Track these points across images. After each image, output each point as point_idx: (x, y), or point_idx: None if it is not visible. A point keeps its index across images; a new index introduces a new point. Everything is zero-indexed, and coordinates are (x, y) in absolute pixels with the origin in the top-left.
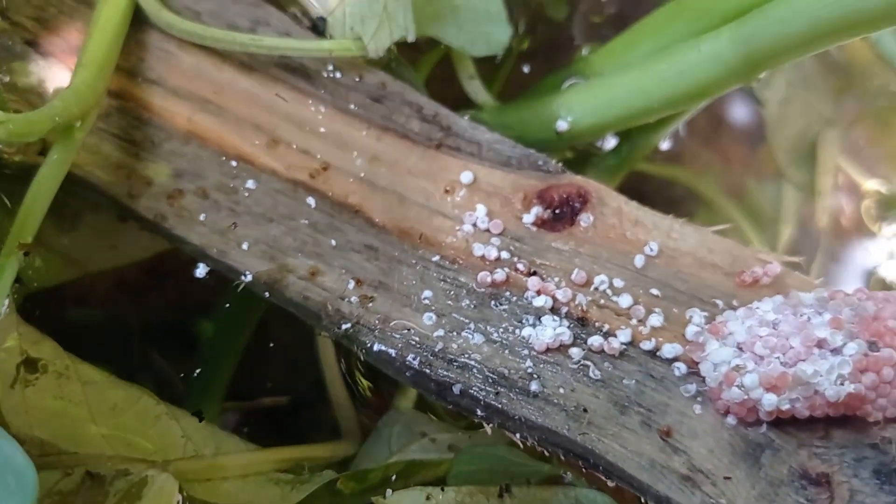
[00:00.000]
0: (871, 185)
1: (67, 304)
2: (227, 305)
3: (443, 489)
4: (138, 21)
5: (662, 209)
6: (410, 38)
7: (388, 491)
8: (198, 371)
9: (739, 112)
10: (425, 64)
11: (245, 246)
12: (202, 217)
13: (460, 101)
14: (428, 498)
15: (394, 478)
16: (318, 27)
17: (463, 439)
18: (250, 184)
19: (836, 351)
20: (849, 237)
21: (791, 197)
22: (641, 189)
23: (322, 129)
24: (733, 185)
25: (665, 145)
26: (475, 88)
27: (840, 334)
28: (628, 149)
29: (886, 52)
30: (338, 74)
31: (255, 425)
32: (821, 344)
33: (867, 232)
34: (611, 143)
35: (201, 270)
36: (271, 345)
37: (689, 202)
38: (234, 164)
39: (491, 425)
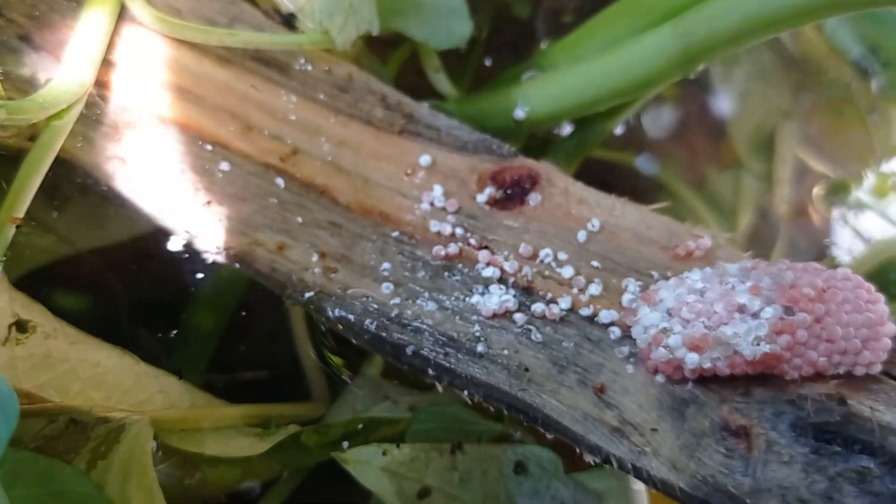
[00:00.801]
0: (821, 171)
1: (59, 285)
2: (210, 283)
3: (398, 445)
4: (124, 18)
5: (628, 198)
6: (375, 32)
7: (345, 444)
8: (182, 346)
9: (701, 105)
10: (397, 58)
11: (217, 222)
12: (179, 196)
13: (433, 93)
14: (384, 453)
15: (355, 434)
16: (289, 22)
17: (422, 401)
18: (224, 166)
19: (755, 315)
20: (806, 223)
21: (750, 186)
22: (608, 179)
23: (292, 117)
24: (695, 175)
25: (629, 136)
26: (440, 80)
27: (758, 300)
28: (584, 135)
29: (839, 45)
30: (309, 67)
31: (238, 399)
32: (741, 309)
33: (822, 218)
34: (567, 130)
35: (175, 244)
36: (254, 322)
37: (654, 191)
38: (210, 148)
39: (442, 384)
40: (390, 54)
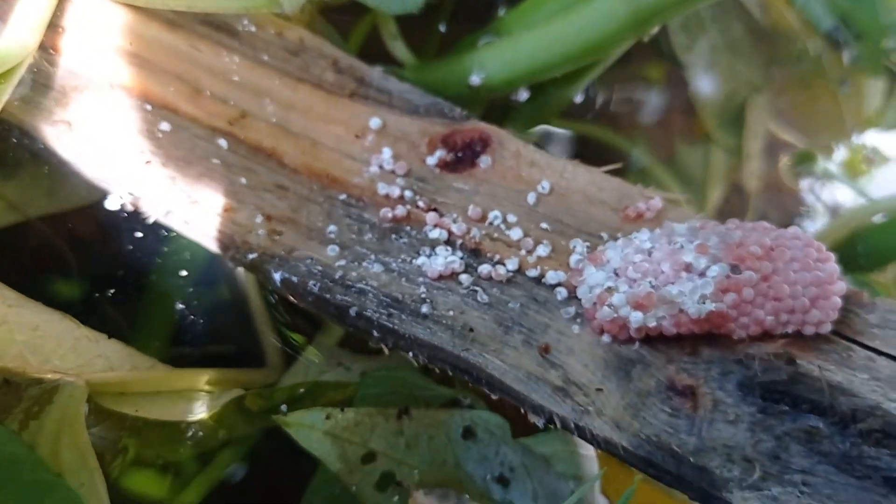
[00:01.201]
0: (792, 144)
1: (13, 254)
2: (165, 250)
3: (342, 409)
4: None
5: None
6: None
7: (283, 407)
8: (141, 314)
9: (670, 79)
10: (363, 26)
11: (161, 184)
12: (124, 158)
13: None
14: (328, 417)
15: (300, 399)
16: None
17: (374, 367)
18: (169, 129)
19: (701, 274)
20: (778, 197)
21: (719, 160)
22: (579, 152)
23: (240, 80)
24: (664, 149)
25: (597, 110)
26: (398, 47)
27: (705, 258)
28: (542, 102)
29: (811, 17)
30: (260, 31)
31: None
32: (688, 268)
33: (792, 190)
34: (523, 96)
35: (112, 202)
36: (212, 291)
37: (624, 165)
38: (157, 111)
39: (388, 347)
40: (356, 23)
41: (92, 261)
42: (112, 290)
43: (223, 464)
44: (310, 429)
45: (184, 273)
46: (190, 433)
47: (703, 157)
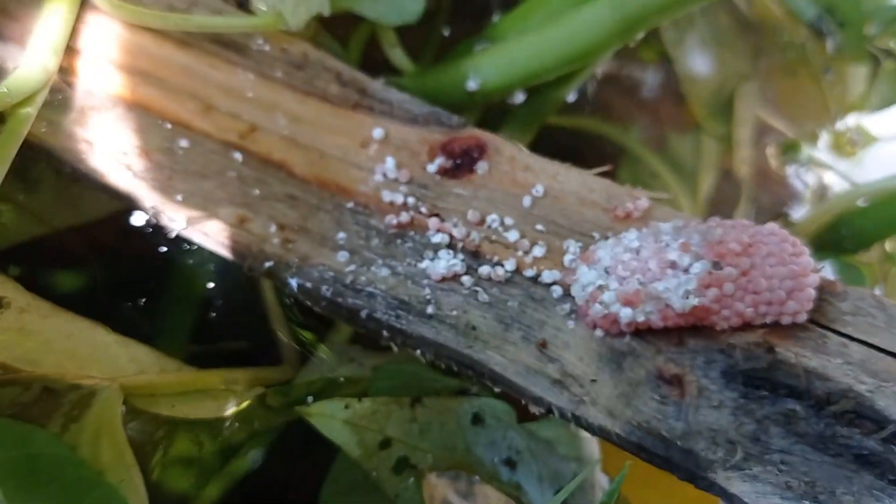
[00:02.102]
0: (780, 131)
1: (35, 263)
2: (183, 258)
3: (360, 399)
4: (86, 6)
5: (594, 163)
6: (326, 13)
7: (309, 398)
8: (161, 318)
9: (660, 70)
10: (360, 35)
11: (180, 198)
12: (143, 174)
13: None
14: (347, 407)
15: (318, 393)
16: (243, 4)
17: (384, 362)
18: (185, 144)
19: (685, 270)
20: (768, 183)
21: (710, 148)
22: (575, 146)
23: (250, 95)
24: (656, 139)
25: (590, 105)
26: (397, 56)
27: (688, 256)
28: (536, 104)
29: (795, 8)
30: (266, 47)
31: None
32: (673, 265)
33: (780, 176)
34: (519, 98)
35: (138, 219)
36: (229, 294)
37: (619, 156)
38: (172, 128)
39: (396, 345)
40: (353, 32)
41: (114, 268)
42: (135, 297)
43: (248, 457)
44: (330, 418)
45: (202, 279)
46: (217, 429)
47: (694, 145)
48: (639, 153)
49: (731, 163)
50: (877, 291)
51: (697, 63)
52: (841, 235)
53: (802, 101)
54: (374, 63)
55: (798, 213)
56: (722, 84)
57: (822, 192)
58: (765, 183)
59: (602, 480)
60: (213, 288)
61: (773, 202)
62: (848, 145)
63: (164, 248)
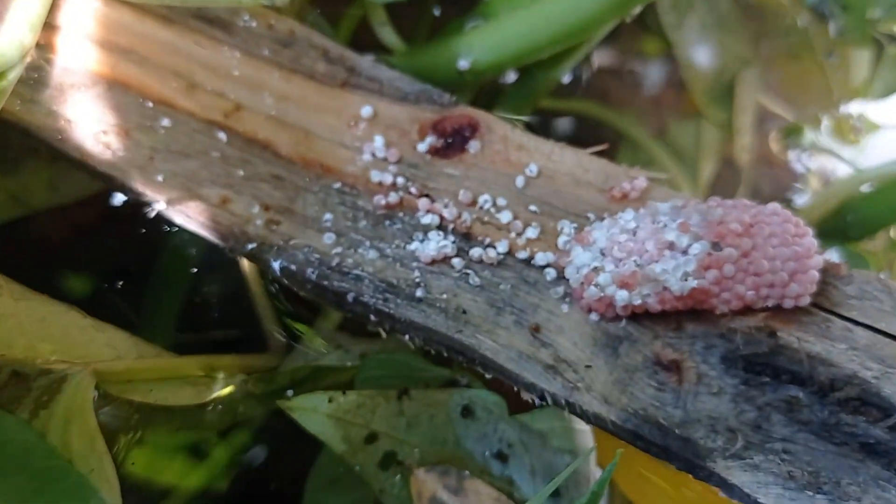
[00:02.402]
0: (782, 117)
1: (21, 247)
2: (168, 240)
3: (344, 392)
4: None
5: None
6: None
7: (289, 392)
8: (147, 303)
9: (659, 56)
10: (353, 13)
11: (161, 178)
12: (124, 153)
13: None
14: (330, 400)
15: (302, 382)
16: None
17: (373, 349)
18: (168, 123)
19: (684, 252)
20: (770, 170)
21: (711, 135)
22: (574, 130)
23: (236, 73)
24: (655, 126)
25: (588, 88)
26: (387, 34)
27: (687, 237)
28: (530, 84)
29: None
30: (252, 24)
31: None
32: (671, 246)
33: (783, 163)
34: (512, 78)
35: (118, 199)
36: (215, 279)
37: (618, 142)
38: (154, 106)
39: (385, 330)
40: (346, 9)
41: (96, 252)
42: (117, 281)
43: (229, 447)
44: (313, 412)
45: (187, 262)
46: (196, 417)
47: (694, 132)
48: (638, 139)
49: (731, 149)
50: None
51: (698, 48)
52: (846, 222)
53: (805, 87)
54: (367, 44)
55: (801, 199)
56: (723, 70)
57: (825, 178)
58: (767, 170)
59: (598, 474)
60: (201, 272)
61: (775, 189)
62: (851, 133)
63: (149, 231)
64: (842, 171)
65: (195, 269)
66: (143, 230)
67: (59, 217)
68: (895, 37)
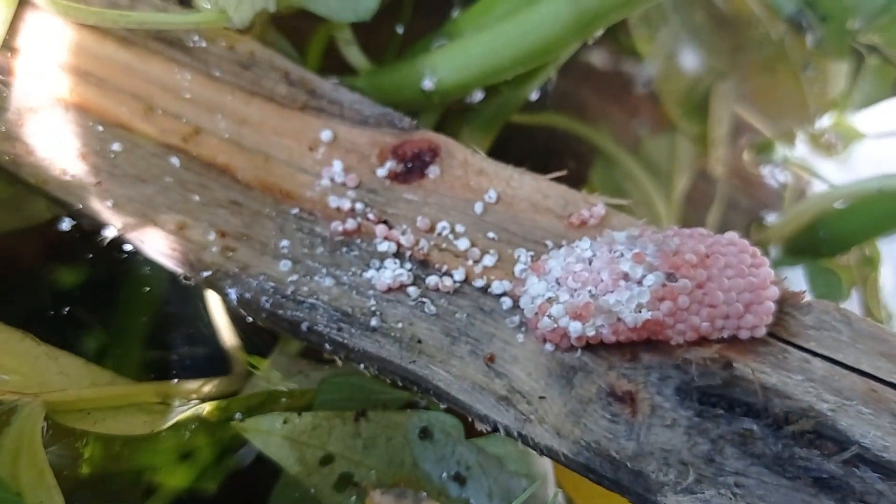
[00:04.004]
0: (757, 130)
1: None
2: (130, 264)
3: (300, 414)
4: (26, 4)
5: (570, 162)
6: (271, 9)
7: (238, 414)
8: (112, 328)
9: (632, 69)
10: (322, 33)
11: (116, 203)
12: (80, 178)
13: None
14: (285, 421)
15: (258, 407)
16: (187, 2)
17: (333, 375)
18: (125, 147)
19: (639, 282)
20: (745, 183)
21: (685, 148)
22: (550, 144)
23: (193, 96)
24: (629, 139)
25: (560, 104)
26: (352, 53)
27: (641, 267)
28: (498, 104)
29: (773, 2)
30: (212, 46)
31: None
32: (626, 276)
33: (757, 176)
34: (478, 97)
35: (66, 224)
36: (179, 304)
37: (592, 157)
38: (111, 130)
39: (340, 358)
40: (315, 30)
41: (54, 278)
42: (77, 306)
43: (187, 474)
44: (267, 434)
45: (149, 285)
46: (153, 446)
47: (668, 145)
48: (612, 153)
49: (706, 162)
50: (854, 296)
51: (671, 61)
52: (818, 238)
53: (780, 99)
54: (339, 65)
55: (775, 214)
56: (697, 82)
57: (799, 192)
58: (742, 184)
59: (558, 497)
60: (162, 295)
61: (751, 203)
62: (825, 147)
63: (108, 257)
64: (817, 186)
65: (156, 291)
66: (103, 254)
67: (22, 239)
68: (875, 48)
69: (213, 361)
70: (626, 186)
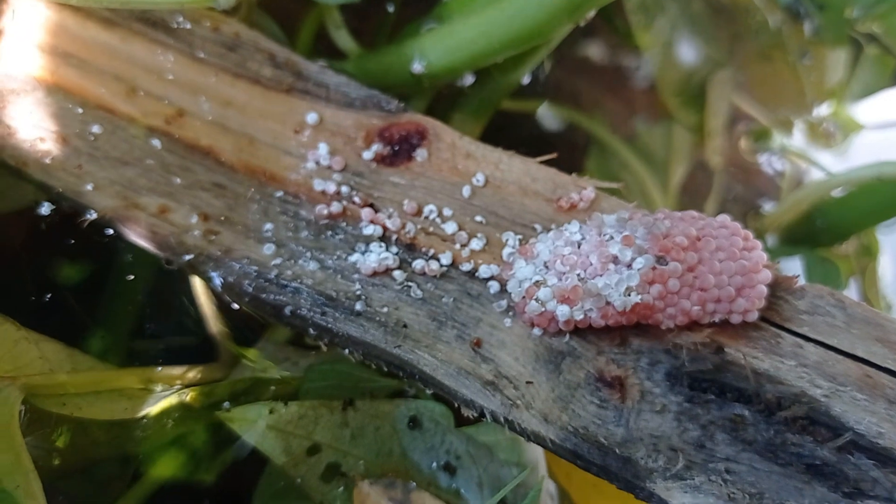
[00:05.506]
0: (754, 119)
1: None
2: (117, 248)
3: (286, 403)
4: None
5: (563, 151)
6: None
7: (226, 404)
8: (100, 313)
9: (629, 58)
10: (314, 17)
11: (97, 186)
12: (60, 161)
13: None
14: (271, 411)
15: (243, 394)
16: None
17: (320, 361)
18: (107, 129)
19: (629, 266)
20: (743, 172)
21: (682, 138)
22: (544, 133)
23: (177, 78)
24: (626, 128)
25: (555, 90)
26: (342, 37)
27: (630, 250)
28: (489, 86)
29: None
30: (197, 27)
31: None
32: (615, 260)
33: (754, 165)
34: (469, 81)
35: (45, 209)
36: (166, 289)
37: (588, 145)
38: (92, 112)
39: (324, 343)
40: (306, 12)
41: (38, 262)
42: (62, 291)
43: (169, 461)
44: (253, 423)
45: (136, 270)
46: (134, 432)
47: (665, 135)
48: (608, 142)
49: (703, 152)
50: (853, 286)
51: (668, 50)
52: (816, 227)
53: (778, 89)
54: (330, 48)
55: (772, 203)
56: (694, 71)
57: (797, 181)
58: (739, 172)
59: (549, 486)
60: (149, 280)
61: (748, 192)
62: (823, 137)
63: (93, 242)
64: (815, 174)
65: (144, 276)
66: (95, 237)
67: (6, 224)
68: (874, 36)
69: (199, 349)
70: (622, 176)
